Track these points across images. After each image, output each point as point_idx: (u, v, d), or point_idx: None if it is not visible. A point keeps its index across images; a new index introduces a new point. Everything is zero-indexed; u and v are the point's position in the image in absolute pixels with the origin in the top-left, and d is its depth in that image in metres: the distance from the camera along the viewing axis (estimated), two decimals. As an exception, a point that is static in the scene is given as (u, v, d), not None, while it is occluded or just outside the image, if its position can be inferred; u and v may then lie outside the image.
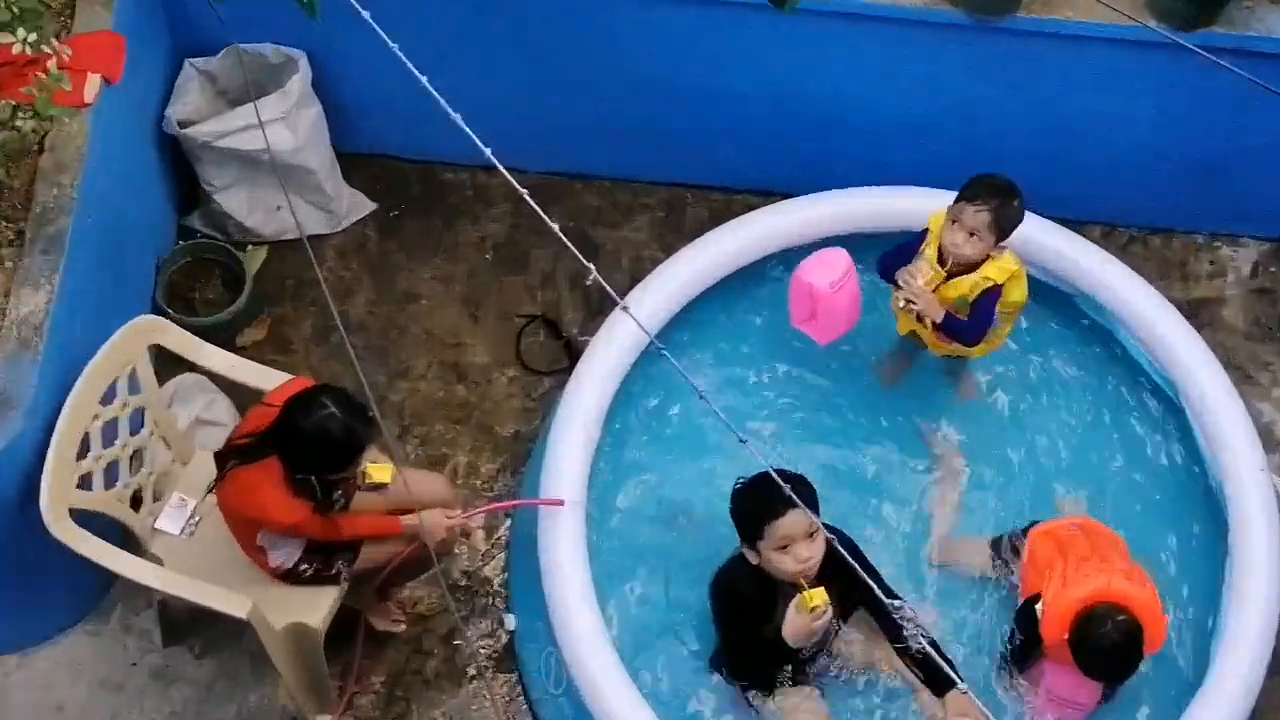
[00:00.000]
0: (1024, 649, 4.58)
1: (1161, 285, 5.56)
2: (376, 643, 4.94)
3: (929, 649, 2.83)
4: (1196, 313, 5.63)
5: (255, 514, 4.28)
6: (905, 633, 2.77)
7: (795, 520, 4.21)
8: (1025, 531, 4.75)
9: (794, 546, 4.26)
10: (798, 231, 5.20)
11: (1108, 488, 5.06)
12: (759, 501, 4.27)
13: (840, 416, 5.22)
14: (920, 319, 4.74)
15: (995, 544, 4.84)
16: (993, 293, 4.68)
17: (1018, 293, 4.74)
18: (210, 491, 4.46)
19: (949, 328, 4.72)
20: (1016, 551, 4.75)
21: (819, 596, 4.22)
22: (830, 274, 4.79)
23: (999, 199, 4.54)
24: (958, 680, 2.66)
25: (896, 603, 2.89)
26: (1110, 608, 4.29)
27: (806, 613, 4.23)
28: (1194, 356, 4.99)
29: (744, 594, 4.45)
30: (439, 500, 4.65)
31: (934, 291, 4.66)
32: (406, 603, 4.99)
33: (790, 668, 4.49)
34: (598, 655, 4.44)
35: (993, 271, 4.65)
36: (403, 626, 4.95)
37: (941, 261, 4.67)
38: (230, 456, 4.31)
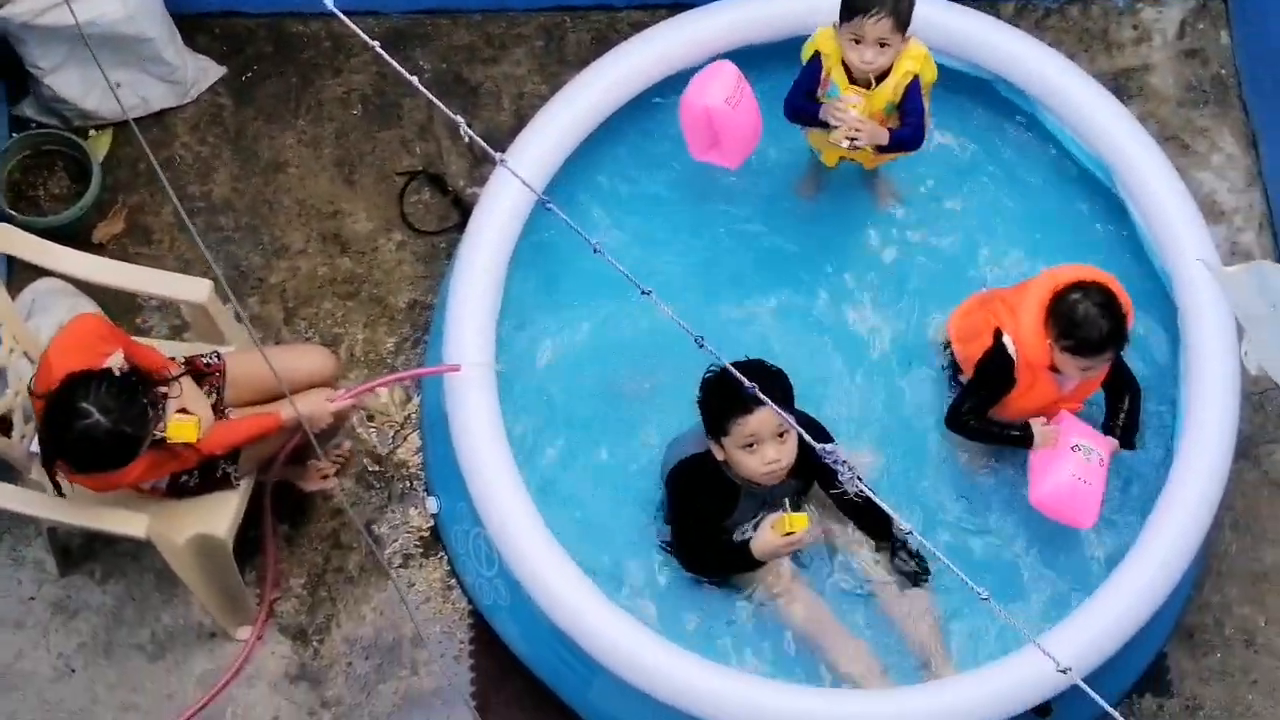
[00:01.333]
0: (991, 395, 4.59)
1: (1084, 59, 5.54)
2: (291, 544, 4.90)
3: (867, 491, 2.79)
4: (1124, 84, 5.60)
5: (96, 487, 4.15)
6: (840, 477, 2.74)
7: (763, 418, 4.13)
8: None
9: (761, 446, 4.19)
10: (696, 49, 5.02)
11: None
12: (725, 395, 4.17)
13: (760, 245, 5.16)
14: (856, 146, 4.68)
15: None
16: (914, 83, 4.66)
17: (930, 72, 4.71)
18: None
19: (894, 142, 4.69)
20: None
21: (799, 523, 4.19)
22: (723, 90, 4.67)
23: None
24: (900, 522, 2.63)
25: (829, 446, 2.84)
26: (1069, 285, 4.41)
27: (782, 535, 4.22)
28: (1124, 134, 4.95)
29: (702, 490, 4.42)
30: (320, 376, 4.54)
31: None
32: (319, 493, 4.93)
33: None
34: (525, 528, 4.41)
35: (907, 64, 4.62)
36: (334, 482, 4.84)
37: (853, 80, 4.61)
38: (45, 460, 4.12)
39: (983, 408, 4.64)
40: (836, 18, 4.56)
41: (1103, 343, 4.38)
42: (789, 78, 4.79)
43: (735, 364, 4.06)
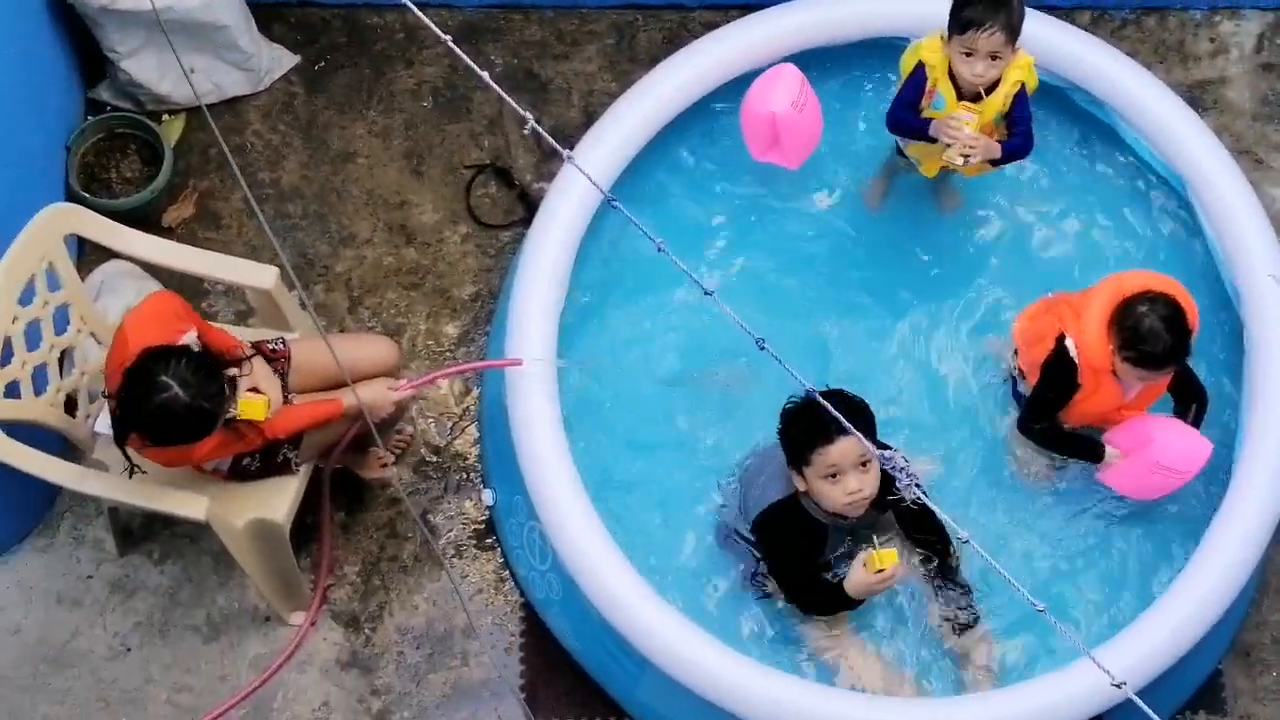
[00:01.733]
0: (1056, 399, 4.56)
1: (1160, 69, 5.49)
2: (347, 531, 4.93)
3: (923, 497, 2.77)
4: (1200, 96, 5.54)
5: (163, 464, 4.20)
6: (898, 484, 2.73)
7: (846, 448, 4.11)
8: None
9: (843, 477, 4.17)
10: (766, 50, 5.02)
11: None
12: (807, 424, 4.15)
13: (829, 249, 5.15)
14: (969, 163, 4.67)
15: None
16: (1022, 92, 4.64)
17: (1034, 80, 4.68)
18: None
19: (1006, 154, 4.68)
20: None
21: (888, 560, 4.16)
22: (788, 93, 4.67)
23: (1003, 10, 4.43)
24: (956, 529, 2.62)
25: (888, 452, 2.84)
26: (1137, 295, 4.37)
27: (873, 572, 4.19)
28: (1199, 145, 4.91)
29: (790, 535, 4.40)
30: (384, 366, 4.58)
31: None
32: (376, 484, 4.96)
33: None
34: (580, 524, 4.43)
35: (1015, 74, 4.60)
36: (393, 471, 4.90)
37: (960, 92, 4.59)
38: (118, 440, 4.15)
39: (1050, 412, 4.60)
40: (944, 29, 4.52)
41: (1165, 357, 4.34)
42: (854, 79, 4.77)
43: (808, 395, 4.09)
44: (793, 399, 4.25)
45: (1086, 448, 4.61)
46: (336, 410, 4.36)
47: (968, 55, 4.50)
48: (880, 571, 4.17)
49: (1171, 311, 4.33)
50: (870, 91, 5.23)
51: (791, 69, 4.74)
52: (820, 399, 2.93)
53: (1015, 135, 4.68)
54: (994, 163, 4.71)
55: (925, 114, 4.66)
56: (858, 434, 2.87)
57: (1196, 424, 4.64)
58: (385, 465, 4.85)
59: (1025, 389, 4.73)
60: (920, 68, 4.62)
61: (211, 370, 4.00)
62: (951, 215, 5.13)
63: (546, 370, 4.60)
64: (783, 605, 4.57)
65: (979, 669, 4.51)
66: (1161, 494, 4.60)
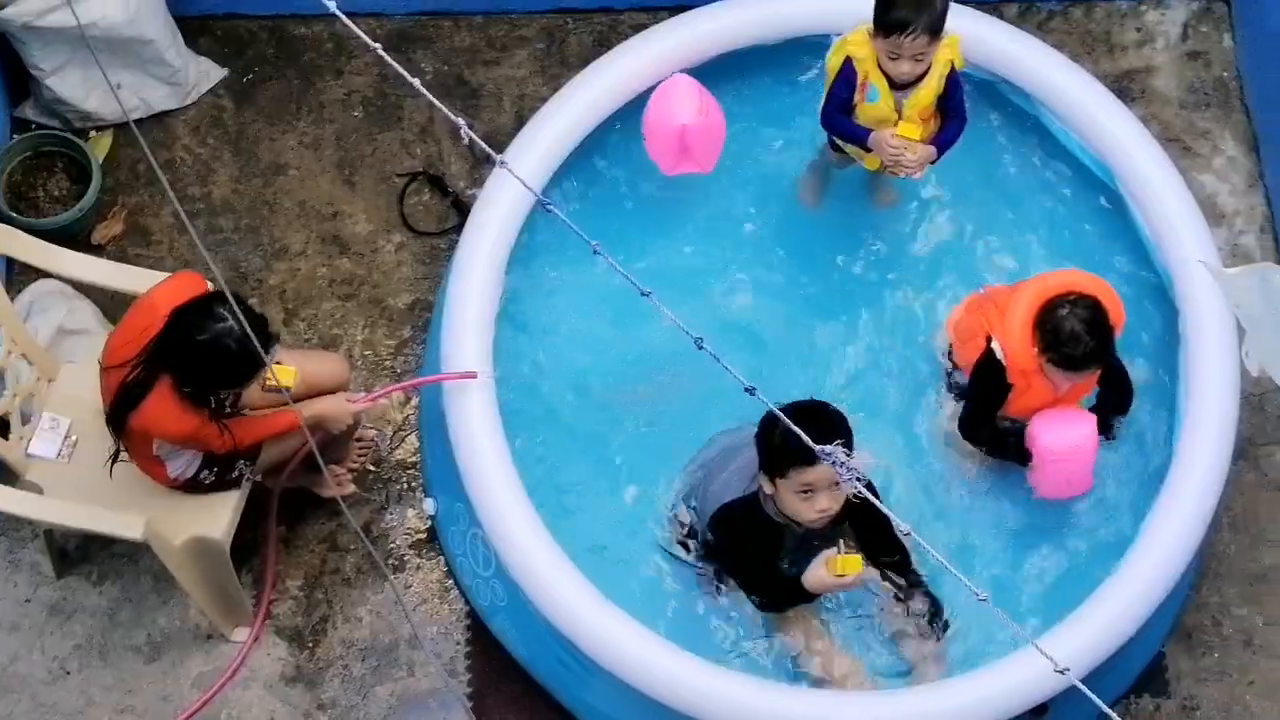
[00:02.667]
0: (990, 402, 4.61)
1: (1087, 61, 5.53)
2: (288, 545, 4.90)
3: (864, 493, 2.78)
4: (1127, 86, 5.59)
5: (147, 427, 4.17)
6: (841, 478, 2.73)
7: (824, 471, 4.11)
8: None
9: (816, 495, 4.18)
10: (697, 51, 5.01)
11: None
12: (789, 441, 4.06)
13: (764, 247, 5.17)
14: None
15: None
16: (954, 75, 4.67)
17: (960, 58, 4.70)
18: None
19: (944, 146, 4.71)
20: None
21: (852, 567, 4.18)
22: (690, 102, 4.68)
23: (925, 12, 4.45)
24: (898, 522, 2.63)
25: (828, 447, 2.83)
26: (1059, 296, 4.40)
27: (834, 575, 4.21)
28: (1127, 135, 4.94)
29: (747, 534, 4.40)
30: (336, 381, 4.56)
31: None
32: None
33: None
34: (523, 529, 4.41)
35: (944, 56, 4.61)
36: (352, 487, 4.90)
37: (892, 82, 4.60)
38: (120, 401, 4.16)
39: (988, 414, 4.64)
40: (870, 23, 4.53)
41: (1086, 359, 4.39)
42: (786, 76, 4.78)
43: (797, 404, 4.10)
44: (778, 405, 4.22)
45: (1018, 451, 4.64)
46: (295, 422, 4.34)
47: (893, 59, 4.53)
48: (841, 576, 4.19)
49: (1092, 313, 4.37)
50: (802, 88, 5.24)
51: (684, 78, 4.76)
52: (793, 426, 2.89)
53: (950, 121, 4.71)
54: (935, 159, 4.74)
55: (860, 108, 4.67)
56: (841, 466, 2.86)
57: (1119, 410, 4.70)
58: (343, 483, 4.85)
59: (961, 380, 4.75)
60: (848, 62, 4.62)
61: (259, 317, 4.06)
62: (887, 210, 5.15)
63: (484, 377, 4.58)
64: (727, 601, 4.56)
65: (927, 657, 4.54)
66: (1081, 482, 4.63)
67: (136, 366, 4.11)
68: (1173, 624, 4.85)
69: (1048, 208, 5.20)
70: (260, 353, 3.92)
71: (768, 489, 4.28)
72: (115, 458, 4.32)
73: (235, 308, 3.72)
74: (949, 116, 4.71)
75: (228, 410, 4.23)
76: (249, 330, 3.59)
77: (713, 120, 4.74)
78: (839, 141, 4.89)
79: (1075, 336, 4.33)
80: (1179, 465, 4.56)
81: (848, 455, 4.07)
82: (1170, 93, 5.63)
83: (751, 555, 4.43)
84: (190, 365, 4.05)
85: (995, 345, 4.49)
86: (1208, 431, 4.57)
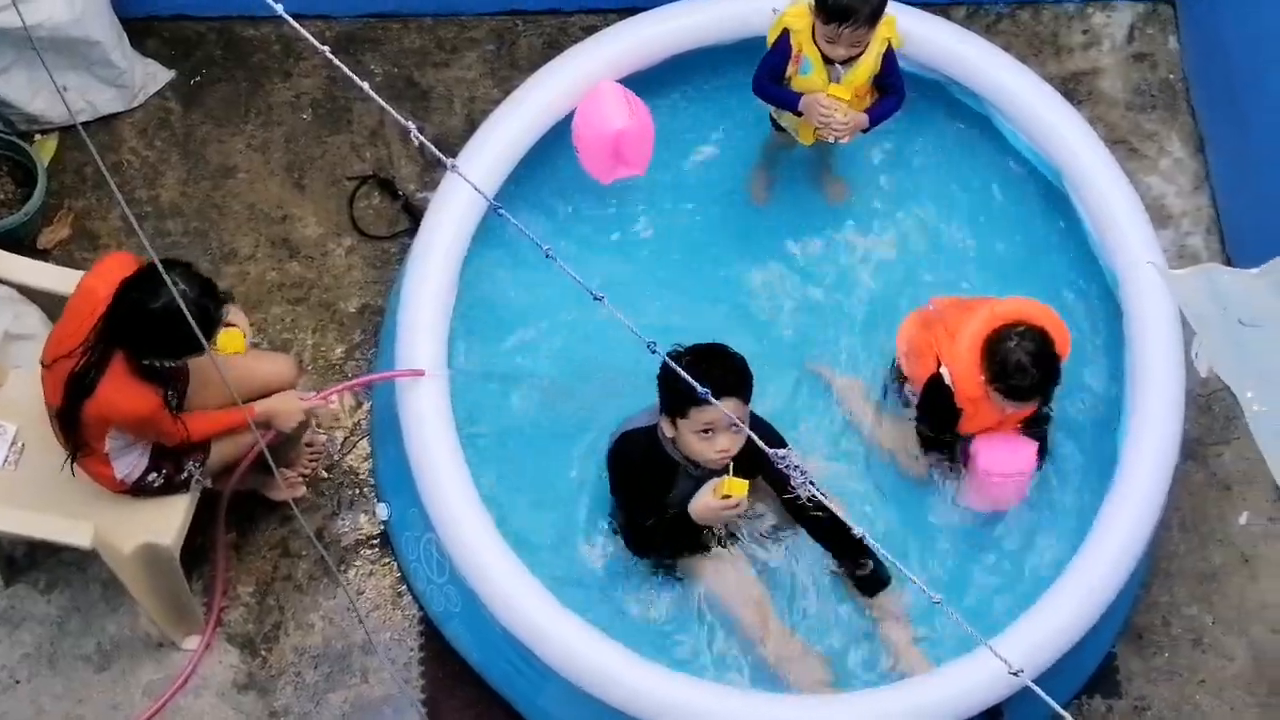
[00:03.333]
0: (940, 423, 4.65)
1: (1034, 62, 5.56)
2: (239, 551, 4.86)
3: (819, 495, 2.78)
4: (1073, 88, 5.63)
5: (104, 411, 4.10)
6: (793, 481, 2.74)
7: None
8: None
9: (715, 435, 4.19)
10: (646, 52, 5.02)
11: (992, 282, 5.06)
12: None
13: (715, 246, 5.17)
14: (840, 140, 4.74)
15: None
16: (889, 52, 4.69)
17: (898, 38, 4.72)
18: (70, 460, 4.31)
19: (877, 119, 4.73)
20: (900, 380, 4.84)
21: (738, 488, 4.17)
22: (619, 109, 4.68)
23: (869, 7, 4.47)
24: (851, 526, 2.63)
25: (782, 451, 2.84)
26: (1007, 326, 4.42)
27: (720, 498, 4.20)
28: (1073, 136, 4.97)
29: (642, 461, 4.40)
30: (284, 382, 4.53)
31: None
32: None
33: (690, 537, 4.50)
34: (476, 533, 4.39)
35: (881, 33, 4.63)
36: (303, 489, 4.87)
37: (826, 57, 4.62)
38: (73, 391, 4.11)
39: (942, 430, 4.68)
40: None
41: (1030, 391, 4.41)
42: (733, 78, 4.78)
43: (699, 346, 4.11)
44: (677, 347, 4.22)
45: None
46: (246, 417, 4.31)
47: (831, 44, 4.55)
48: (727, 498, 4.18)
49: (1039, 345, 4.38)
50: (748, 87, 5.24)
51: (608, 84, 4.77)
52: (682, 372, 2.91)
53: (887, 95, 4.74)
54: (866, 127, 4.75)
55: (795, 81, 4.69)
56: (753, 436, 2.86)
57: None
58: (294, 485, 4.82)
59: (911, 391, 4.77)
60: (785, 34, 4.65)
61: (206, 281, 4.02)
62: (838, 205, 5.16)
63: (438, 380, 4.56)
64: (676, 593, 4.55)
65: (903, 649, 4.56)
66: (1010, 501, 4.69)
67: (86, 352, 4.06)
68: (1123, 624, 4.88)
69: (995, 209, 5.23)
70: (215, 313, 3.96)
71: (669, 431, 4.29)
72: (73, 458, 4.27)
73: (169, 277, 3.60)
74: (886, 93, 4.74)
75: (180, 388, 4.19)
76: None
77: (643, 121, 4.75)
78: (774, 117, 4.90)
79: (1021, 368, 4.35)
80: (1126, 465, 4.58)
81: (800, 458, 4.10)
82: (1116, 94, 5.67)
83: (644, 488, 4.41)
84: (146, 334, 3.99)
85: (944, 371, 4.51)
86: (1154, 431, 4.60)
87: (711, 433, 4.19)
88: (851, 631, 4.63)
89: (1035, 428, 4.68)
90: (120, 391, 4.08)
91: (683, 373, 2.91)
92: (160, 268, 3.43)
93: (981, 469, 4.59)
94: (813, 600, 4.66)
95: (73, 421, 4.17)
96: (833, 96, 4.63)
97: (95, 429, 4.20)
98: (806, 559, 4.65)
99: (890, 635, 4.59)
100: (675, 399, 4.21)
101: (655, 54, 5.02)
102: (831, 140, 4.71)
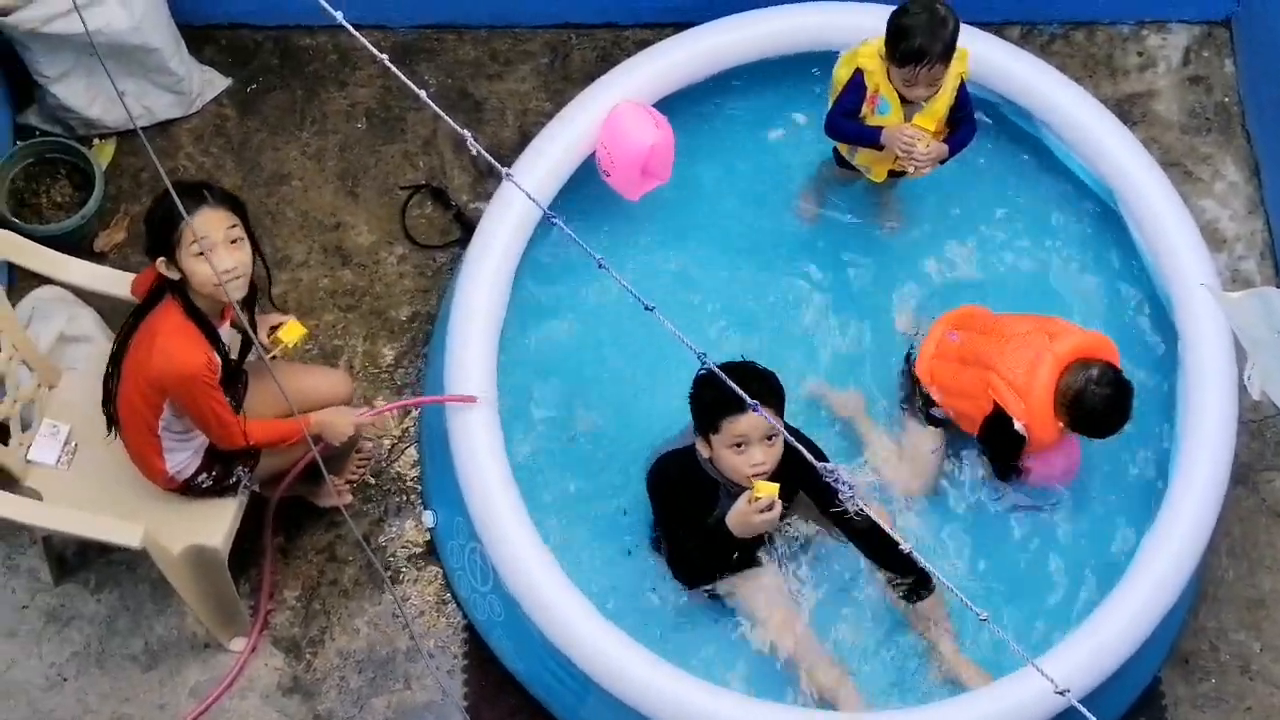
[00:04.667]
0: (1007, 457, 4.68)
1: (1089, 83, 5.54)
2: (286, 556, 4.89)
3: (866, 509, 2.78)
4: (1128, 110, 5.61)
5: (158, 362, 4.10)
6: (840, 495, 2.75)
7: (755, 421, 4.13)
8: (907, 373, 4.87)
9: (749, 448, 4.19)
10: (700, 65, 5.05)
11: (1046, 302, 5.04)
12: (719, 394, 4.14)
13: (764, 262, 5.19)
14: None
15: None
16: (963, 86, 4.70)
17: (967, 69, 4.72)
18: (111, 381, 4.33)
19: (956, 148, 4.75)
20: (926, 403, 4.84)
21: (767, 489, 4.16)
22: (643, 122, 4.74)
23: (939, 42, 4.47)
24: (899, 540, 2.63)
25: (830, 465, 2.84)
26: (1077, 368, 4.42)
27: (753, 504, 4.19)
28: (1129, 159, 4.96)
29: (682, 482, 4.41)
30: (338, 397, 4.58)
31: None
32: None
33: (736, 555, 4.49)
34: (521, 544, 4.41)
35: (955, 69, 4.63)
36: (349, 497, 4.92)
37: (903, 97, 4.62)
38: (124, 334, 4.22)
39: (1007, 463, 4.72)
40: (880, 39, 4.56)
41: (1118, 427, 4.47)
42: (787, 93, 4.76)
43: (726, 364, 4.12)
44: (705, 367, 4.23)
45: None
46: (297, 431, 4.35)
47: (909, 85, 4.56)
48: (757, 500, 4.16)
49: (1114, 382, 4.43)
50: (804, 102, 5.25)
51: (626, 105, 4.81)
52: (729, 380, 2.92)
53: (961, 128, 4.74)
54: (945, 158, 4.76)
55: (870, 120, 4.69)
56: (770, 414, 2.87)
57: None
58: (342, 492, 4.87)
59: (939, 415, 4.78)
60: (859, 74, 4.64)
61: (201, 185, 4.13)
62: (893, 229, 5.18)
63: (487, 394, 4.58)
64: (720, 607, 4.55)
65: (951, 659, 4.56)
66: (1070, 473, 4.75)
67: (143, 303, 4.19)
68: (1169, 649, 4.85)
69: (1048, 229, 5.22)
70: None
71: (705, 451, 4.29)
72: (112, 421, 4.34)
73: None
74: (960, 124, 4.75)
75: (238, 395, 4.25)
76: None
77: (665, 130, 4.80)
78: (843, 153, 4.90)
79: (1106, 413, 4.42)
80: (1177, 487, 4.57)
81: (848, 472, 4.09)
82: (1171, 117, 5.65)
83: (684, 508, 4.41)
84: (150, 228, 4.09)
85: (1019, 426, 4.51)
86: (1205, 455, 4.58)
87: (745, 446, 4.19)
88: (897, 645, 4.63)
89: None
90: (172, 339, 4.10)
91: (720, 374, 2.90)
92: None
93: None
94: (856, 613, 4.66)
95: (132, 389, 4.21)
96: (918, 127, 4.63)
97: (151, 395, 4.21)
98: (848, 570, 4.65)
99: (938, 644, 4.58)
100: (705, 414, 4.23)
101: (709, 68, 5.04)
102: (911, 171, 4.70)
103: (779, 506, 4.21)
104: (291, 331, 4.38)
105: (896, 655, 4.63)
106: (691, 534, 4.42)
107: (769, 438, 4.18)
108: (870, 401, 4.96)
